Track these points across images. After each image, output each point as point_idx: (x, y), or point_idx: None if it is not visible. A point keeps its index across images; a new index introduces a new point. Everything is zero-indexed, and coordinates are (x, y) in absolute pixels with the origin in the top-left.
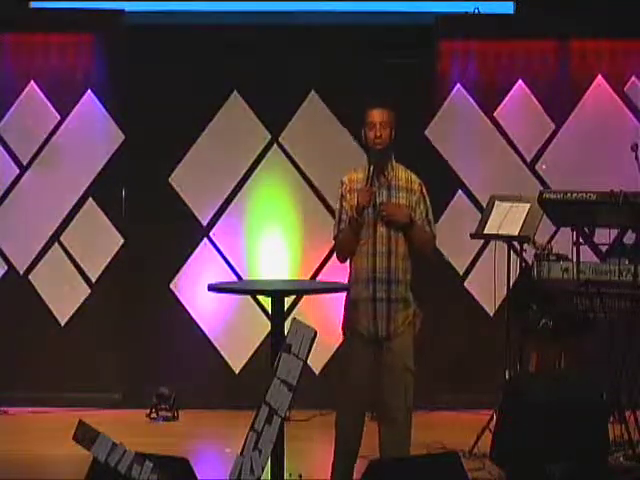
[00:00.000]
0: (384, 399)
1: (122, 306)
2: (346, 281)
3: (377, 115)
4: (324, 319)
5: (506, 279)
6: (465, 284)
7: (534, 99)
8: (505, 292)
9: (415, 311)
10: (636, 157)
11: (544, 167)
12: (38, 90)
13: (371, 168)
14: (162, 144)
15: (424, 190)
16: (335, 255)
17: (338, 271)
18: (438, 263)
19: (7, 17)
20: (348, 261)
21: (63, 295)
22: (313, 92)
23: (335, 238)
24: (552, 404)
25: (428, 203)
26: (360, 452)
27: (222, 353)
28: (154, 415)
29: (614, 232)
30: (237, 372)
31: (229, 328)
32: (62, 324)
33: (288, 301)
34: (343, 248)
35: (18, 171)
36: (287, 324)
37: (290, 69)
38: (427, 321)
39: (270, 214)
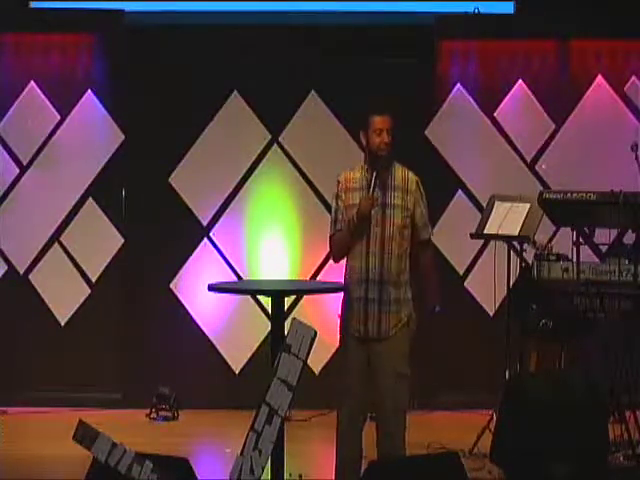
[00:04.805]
0: (376, 401)
1: (122, 306)
2: (343, 281)
3: (383, 122)
4: (324, 319)
5: (506, 279)
6: (465, 284)
7: (534, 99)
8: (505, 292)
9: (411, 313)
10: (636, 157)
11: (544, 167)
12: (38, 90)
13: (374, 174)
14: (162, 144)
15: (422, 189)
16: (331, 255)
17: (338, 271)
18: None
19: (7, 17)
20: (344, 261)
21: (63, 295)
22: (313, 92)
23: (331, 237)
24: (552, 404)
25: (425, 203)
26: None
27: (222, 353)
28: (154, 415)
29: (614, 232)
30: (237, 372)
31: (229, 328)
32: (62, 324)
33: (288, 301)
34: (340, 248)
35: (18, 171)
36: (287, 324)
37: (290, 69)
38: (427, 321)
39: (270, 214)
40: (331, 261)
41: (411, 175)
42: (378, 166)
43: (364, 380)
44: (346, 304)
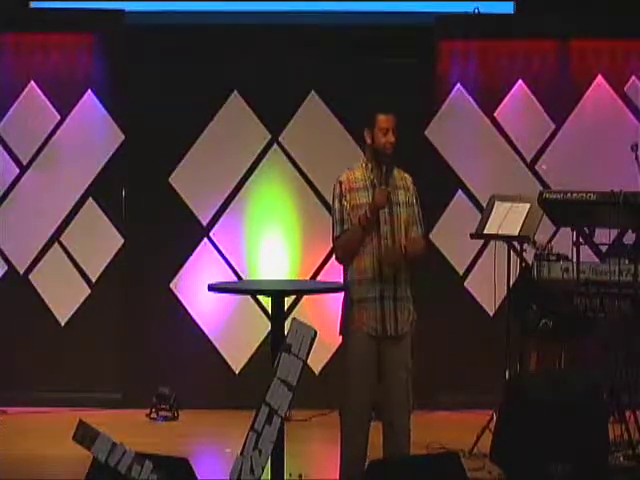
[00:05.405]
0: (387, 399)
1: (122, 306)
2: (343, 281)
3: (389, 121)
4: (324, 319)
5: (506, 279)
6: (465, 284)
7: (534, 99)
8: (505, 292)
9: (413, 311)
10: (636, 157)
11: (544, 167)
12: (38, 90)
13: (384, 170)
14: (162, 144)
15: (416, 188)
16: (335, 256)
17: (338, 271)
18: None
19: (7, 17)
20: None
21: (63, 295)
22: (313, 92)
23: (336, 239)
24: (552, 404)
25: (419, 202)
26: None
27: (222, 353)
28: (154, 415)
29: (614, 232)
30: (237, 372)
31: (229, 328)
32: (62, 324)
33: (288, 301)
34: (349, 248)
35: (18, 171)
36: (287, 324)
37: (290, 69)
38: (427, 321)
39: (270, 214)
40: (331, 261)
41: (406, 175)
42: (384, 163)
43: (371, 379)
44: (355, 303)
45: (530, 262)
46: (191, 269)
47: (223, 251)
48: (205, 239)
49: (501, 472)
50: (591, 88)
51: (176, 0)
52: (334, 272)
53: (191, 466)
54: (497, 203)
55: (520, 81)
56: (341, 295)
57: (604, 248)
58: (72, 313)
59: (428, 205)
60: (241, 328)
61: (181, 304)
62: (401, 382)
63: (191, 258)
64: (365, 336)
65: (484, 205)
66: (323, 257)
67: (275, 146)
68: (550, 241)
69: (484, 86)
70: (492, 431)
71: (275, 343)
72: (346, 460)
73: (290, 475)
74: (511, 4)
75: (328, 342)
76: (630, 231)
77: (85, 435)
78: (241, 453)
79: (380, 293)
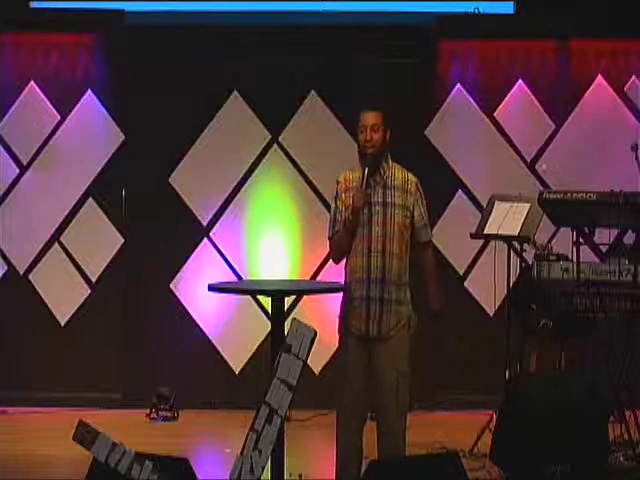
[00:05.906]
0: (377, 400)
1: (122, 306)
2: (343, 281)
3: (368, 118)
4: (324, 319)
5: (506, 279)
6: (465, 284)
7: (534, 99)
8: (505, 292)
9: (410, 315)
10: (636, 157)
11: (544, 167)
12: (38, 90)
13: (365, 171)
14: (162, 144)
15: (421, 191)
16: (331, 256)
17: (338, 271)
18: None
19: (7, 17)
20: (344, 261)
21: (63, 295)
22: (313, 92)
23: (330, 238)
24: (552, 404)
25: (425, 205)
26: None
27: (222, 353)
28: (154, 415)
29: (614, 232)
30: (237, 372)
31: (229, 328)
32: (62, 324)
33: (288, 301)
34: (338, 249)
35: (18, 171)
36: (287, 324)
37: (290, 69)
38: (427, 321)
39: (270, 214)
40: (331, 261)
41: (410, 176)
42: (366, 163)
43: (364, 379)
44: (347, 303)
45: (530, 262)
46: (191, 269)
47: (223, 251)
48: (205, 239)
49: (501, 472)
50: (591, 88)
51: (176, 0)
52: (334, 272)
53: (191, 466)
54: (497, 203)
55: (520, 81)
56: (341, 295)
57: (604, 248)
58: (72, 313)
59: (428, 205)
60: (241, 328)
61: (181, 304)
62: (388, 383)
63: (191, 258)
64: (353, 336)
65: (484, 205)
66: (323, 257)
67: (275, 146)
68: (550, 241)
69: (484, 86)
70: (492, 431)
71: (275, 343)
72: (341, 460)
73: (290, 475)
74: (511, 4)
75: (328, 342)
76: (630, 231)
77: (85, 435)
78: (241, 453)
79: (367, 294)
